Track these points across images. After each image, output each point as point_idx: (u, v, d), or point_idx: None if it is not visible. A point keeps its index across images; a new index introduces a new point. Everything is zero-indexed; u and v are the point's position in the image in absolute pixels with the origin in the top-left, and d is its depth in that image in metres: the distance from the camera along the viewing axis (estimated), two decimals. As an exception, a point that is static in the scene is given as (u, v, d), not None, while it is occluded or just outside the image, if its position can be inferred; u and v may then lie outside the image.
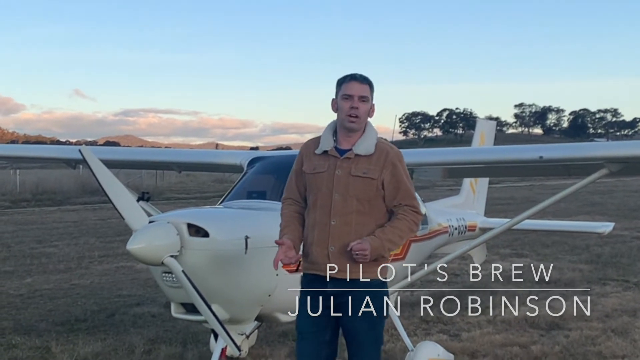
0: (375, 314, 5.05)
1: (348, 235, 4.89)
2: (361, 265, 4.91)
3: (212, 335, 7.75)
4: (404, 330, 7.82)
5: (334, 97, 5.13)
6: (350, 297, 4.97)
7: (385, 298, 5.18)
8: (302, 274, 5.18)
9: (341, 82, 5.09)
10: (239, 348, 6.18)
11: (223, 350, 6.70)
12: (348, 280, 4.93)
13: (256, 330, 8.47)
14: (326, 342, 5.13)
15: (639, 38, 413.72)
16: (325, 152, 5.08)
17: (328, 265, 4.93)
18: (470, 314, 10.54)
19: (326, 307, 5.03)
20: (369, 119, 5.13)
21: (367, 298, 5.00)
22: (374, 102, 5.13)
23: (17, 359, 8.32)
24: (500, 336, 9.24)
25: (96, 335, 9.37)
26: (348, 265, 4.90)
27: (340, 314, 5.02)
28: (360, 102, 5.01)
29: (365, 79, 5.08)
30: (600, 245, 17.88)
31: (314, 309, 5.06)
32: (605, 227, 11.28)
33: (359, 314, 4.99)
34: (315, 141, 5.20)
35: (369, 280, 4.99)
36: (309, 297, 5.10)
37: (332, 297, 4.99)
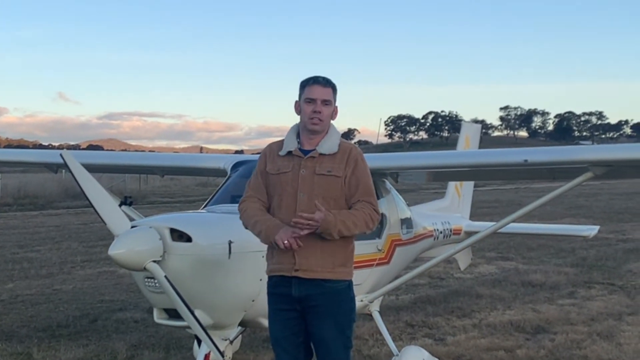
0: (343, 318, 5.01)
1: (313, 234, 4.81)
2: (327, 264, 4.87)
3: (195, 341, 7.68)
4: (388, 335, 7.80)
5: (297, 99, 5.11)
6: (316, 301, 4.92)
7: (352, 300, 5.13)
8: (267, 277, 5.13)
9: (304, 85, 5.07)
10: (222, 354, 6.10)
11: (206, 356, 6.62)
12: (314, 280, 4.88)
13: (240, 336, 8.42)
14: (302, 344, 5.08)
15: (624, 41, 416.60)
16: (289, 152, 5.05)
17: (293, 265, 4.88)
18: (455, 318, 10.57)
19: (295, 309, 4.98)
20: (331, 122, 5.12)
21: (334, 301, 4.96)
22: (336, 104, 5.13)
23: (-2, 366, 8.23)
24: (486, 340, 9.20)
25: (78, 341, 9.28)
26: (313, 264, 4.87)
27: (307, 319, 4.97)
28: (323, 105, 5.00)
29: (328, 81, 5.07)
30: (585, 248, 17.95)
31: (283, 313, 5.02)
32: (591, 230, 11.26)
33: (326, 318, 4.94)
34: (279, 143, 5.18)
35: (335, 281, 4.94)
36: (277, 302, 5.05)
37: (298, 301, 4.94)
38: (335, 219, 4.79)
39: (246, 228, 5.13)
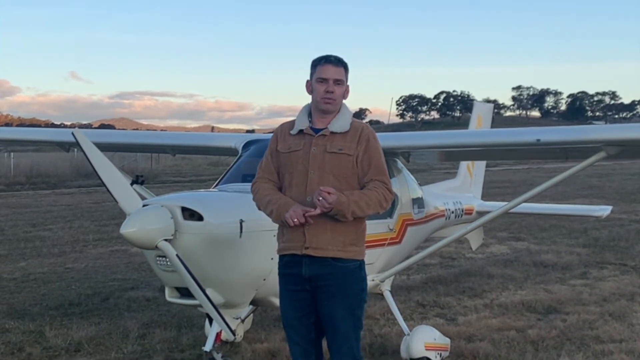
0: (353, 298, 5.00)
1: (324, 213, 4.78)
2: (337, 243, 4.86)
3: (206, 320, 7.69)
4: (400, 315, 7.80)
5: (309, 78, 5.09)
6: (326, 281, 4.91)
7: (364, 281, 5.12)
8: (278, 256, 5.13)
9: (315, 64, 5.04)
10: (233, 332, 6.12)
11: (218, 335, 6.66)
12: (324, 259, 4.86)
13: (251, 315, 8.44)
14: (313, 324, 5.07)
15: (637, 21, 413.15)
16: (301, 131, 5.04)
17: (303, 243, 4.86)
18: (466, 297, 10.56)
19: (306, 290, 4.98)
20: (343, 101, 5.10)
21: (345, 281, 4.95)
22: (348, 83, 5.10)
23: (11, 343, 8.25)
24: (497, 320, 9.19)
25: (90, 319, 9.32)
26: (324, 242, 4.85)
27: (318, 298, 4.96)
28: (336, 85, 4.98)
29: (340, 61, 5.04)
30: (598, 228, 17.87)
31: (294, 294, 5.01)
32: (603, 210, 11.22)
33: (336, 298, 4.93)
34: (291, 123, 5.17)
35: (346, 260, 4.92)
36: (287, 282, 5.05)
37: (309, 281, 4.93)
38: (348, 200, 4.77)
39: (259, 209, 5.12)
